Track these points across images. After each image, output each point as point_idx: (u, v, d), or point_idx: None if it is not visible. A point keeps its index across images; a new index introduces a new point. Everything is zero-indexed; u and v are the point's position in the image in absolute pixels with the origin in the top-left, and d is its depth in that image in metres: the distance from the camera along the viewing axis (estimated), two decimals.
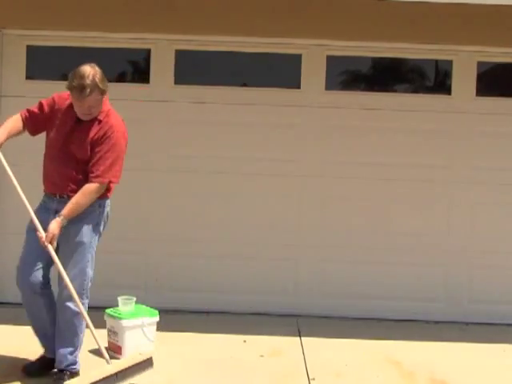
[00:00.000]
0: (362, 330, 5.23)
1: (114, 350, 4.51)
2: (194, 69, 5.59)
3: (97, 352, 3.80)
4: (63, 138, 3.70)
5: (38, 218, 3.66)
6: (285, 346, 4.84)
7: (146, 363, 3.76)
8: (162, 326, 4.67)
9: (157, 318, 4.64)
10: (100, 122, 3.71)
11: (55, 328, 3.80)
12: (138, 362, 3.71)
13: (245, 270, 5.60)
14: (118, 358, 4.40)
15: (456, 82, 5.59)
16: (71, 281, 3.67)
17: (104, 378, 3.42)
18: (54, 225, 3.59)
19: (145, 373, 3.71)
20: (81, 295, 3.76)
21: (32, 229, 3.69)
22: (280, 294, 5.58)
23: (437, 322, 5.51)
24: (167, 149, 5.59)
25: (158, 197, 5.60)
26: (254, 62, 5.58)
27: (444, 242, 5.61)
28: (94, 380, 3.35)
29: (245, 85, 5.65)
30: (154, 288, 5.52)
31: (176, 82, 5.56)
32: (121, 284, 5.34)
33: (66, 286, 3.65)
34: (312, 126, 5.57)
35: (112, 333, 4.55)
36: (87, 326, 3.68)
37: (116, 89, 5.50)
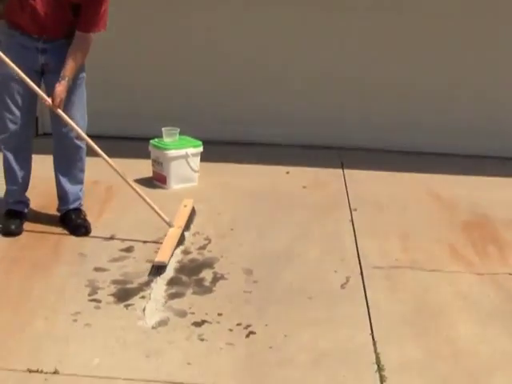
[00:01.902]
0: (405, 163, 5.11)
1: (159, 180, 4.49)
2: None
3: None
4: None
5: (13, 57, 3.30)
6: (327, 177, 4.79)
7: (193, 211, 3.87)
8: (205, 157, 4.62)
9: (200, 149, 4.57)
10: None
11: (57, 171, 3.67)
12: (190, 213, 3.79)
13: (289, 102, 5.42)
14: (162, 188, 4.41)
15: None
16: (78, 121, 3.51)
17: (178, 242, 3.49)
18: (61, 88, 3.35)
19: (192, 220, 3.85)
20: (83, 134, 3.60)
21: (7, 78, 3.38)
22: (324, 126, 5.42)
23: (481, 157, 5.32)
24: None
25: (197, 28, 5.33)
26: None
27: (492, 80, 5.29)
28: (173, 248, 3.41)
29: None
30: (198, 119, 5.37)
31: None
32: (165, 115, 5.16)
33: (72, 129, 3.49)
34: None
35: (156, 163, 4.51)
36: (140, 196, 3.59)
37: None
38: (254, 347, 2.72)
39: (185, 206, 3.88)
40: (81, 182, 3.73)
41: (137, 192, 3.59)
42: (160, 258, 3.29)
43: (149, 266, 3.34)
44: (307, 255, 3.56)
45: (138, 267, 3.34)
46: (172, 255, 3.39)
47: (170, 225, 3.59)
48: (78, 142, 3.59)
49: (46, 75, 3.48)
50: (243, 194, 4.39)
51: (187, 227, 3.73)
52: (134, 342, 2.72)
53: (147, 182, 4.47)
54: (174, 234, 3.54)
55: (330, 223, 3.99)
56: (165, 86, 5.41)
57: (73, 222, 3.69)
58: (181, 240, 3.57)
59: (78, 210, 3.74)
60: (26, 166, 3.65)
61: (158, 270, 3.23)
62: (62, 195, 3.73)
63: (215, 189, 4.47)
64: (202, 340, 2.75)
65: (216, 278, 3.26)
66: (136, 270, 3.31)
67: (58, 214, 3.78)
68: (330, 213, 4.14)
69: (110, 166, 3.52)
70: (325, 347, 2.74)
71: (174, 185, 4.44)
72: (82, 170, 3.70)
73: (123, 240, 3.62)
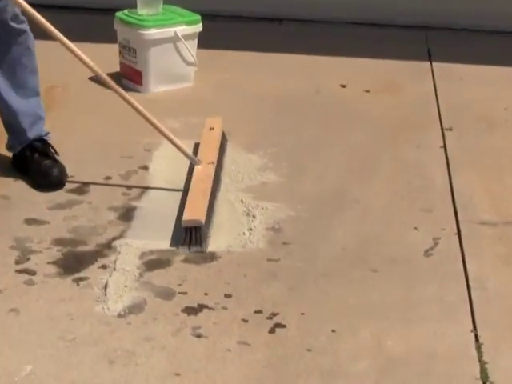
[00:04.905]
0: None
1: (131, 78, 4.49)
2: None
3: None
4: None
5: None
6: (405, 75, 4.81)
7: (224, 137, 3.94)
8: (205, 41, 4.62)
9: (198, 27, 4.57)
10: None
11: None
12: (221, 142, 3.85)
13: None
14: (136, 91, 4.40)
15: None
16: None
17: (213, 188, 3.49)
18: None
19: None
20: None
21: None
22: None
23: None
24: None
25: None
26: None
27: None
28: (207, 197, 3.37)
29: None
30: None
31: None
32: None
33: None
34: None
35: (126, 50, 4.48)
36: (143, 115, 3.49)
37: None
38: (282, 349, 2.68)
39: (211, 128, 3.88)
40: (36, 93, 3.68)
41: (135, 108, 3.49)
42: (191, 214, 3.22)
43: (113, 216, 3.34)
44: (370, 202, 3.54)
45: (97, 218, 3.34)
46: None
47: (195, 162, 3.57)
48: (18, 25, 3.49)
49: None
50: (265, 101, 4.40)
51: (220, 163, 3.73)
52: (88, 340, 2.69)
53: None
54: (204, 175, 3.52)
55: (408, 151, 3.97)
56: None
57: (36, 165, 3.62)
58: (215, 185, 3.55)
59: (43, 144, 3.69)
60: None
61: (189, 233, 3.20)
62: (10, 121, 3.65)
63: (221, 93, 4.46)
64: (199, 337, 2.72)
65: None
66: (93, 222, 3.31)
67: (9, 153, 3.73)
68: (408, 134, 4.14)
69: (83, 61, 3.41)
70: (397, 350, 2.70)
71: (156, 86, 4.45)
72: (34, 71, 3.64)
73: (73, 176, 3.62)
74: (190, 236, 3.19)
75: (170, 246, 3.20)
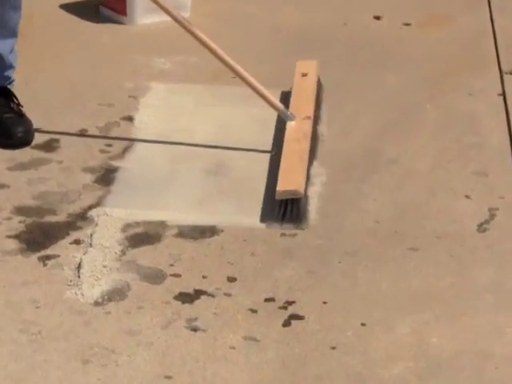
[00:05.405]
0: None
1: (111, 6, 4.52)
2: None
3: None
4: None
5: None
6: (454, 4, 4.81)
7: (319, 83, 3.96)
8: None
9: None
10: None
11: None
12: (316, 88, 3.88)
13: None
14: (119, 23, 4.41)
15: None
16: None
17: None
18: None
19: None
20: None
21: None
22: None
23: None
24: None
25: None
26: None
27: None
28: (306, 161, 3.41)
29: None
30: None
31: None
32: None
33: None
34: None
35: None
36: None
37: None
38: (299, 347, 2.68)
39: (303, 74, 3.90)
40: (14, 33, 3.69)
41: (214, 52, 3.55)
42: (288, 184, 3.25)
43: (89, 178, 3.34)
44: (410, 164, 3.53)
45: (69, 182, 3.36)
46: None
47: (288, 117, 3.58)
48: None
49: None
50: (279, 36, 4.43)
51: (317, 117, 3.73)
52: (58, 333, 2.69)
53: (90, 12, 4.47)
54: (300, 134, 3.53)
55: (458, 99, 3.97)
56: None
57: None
58: (314, 143, 3.59)
59: (6, 93, 3.72)
60: None
61: (285, 208, 3.22)
62: None
63: (225, 26, 4.48)
64: (196, 330, 2.73)
65: None
66: (64, 187, 3.33)
67: None
68: (458, 78, 4.14)
69: None
70: (443, 349, 2.68)
71: (143, 16, 4.46)
72: (17, 7, 3.64)
73: (39, 128, 3.61)
74: (285, 210, 3.19)
75: (260, 222, 3.20)
